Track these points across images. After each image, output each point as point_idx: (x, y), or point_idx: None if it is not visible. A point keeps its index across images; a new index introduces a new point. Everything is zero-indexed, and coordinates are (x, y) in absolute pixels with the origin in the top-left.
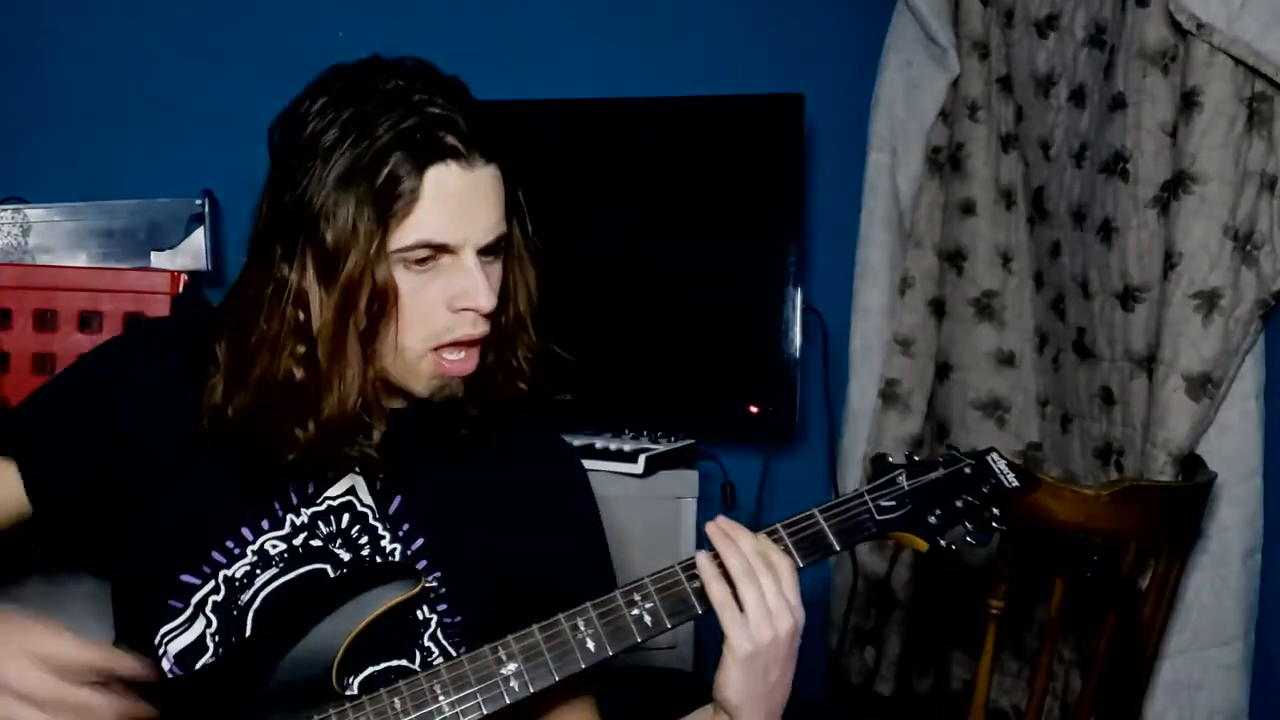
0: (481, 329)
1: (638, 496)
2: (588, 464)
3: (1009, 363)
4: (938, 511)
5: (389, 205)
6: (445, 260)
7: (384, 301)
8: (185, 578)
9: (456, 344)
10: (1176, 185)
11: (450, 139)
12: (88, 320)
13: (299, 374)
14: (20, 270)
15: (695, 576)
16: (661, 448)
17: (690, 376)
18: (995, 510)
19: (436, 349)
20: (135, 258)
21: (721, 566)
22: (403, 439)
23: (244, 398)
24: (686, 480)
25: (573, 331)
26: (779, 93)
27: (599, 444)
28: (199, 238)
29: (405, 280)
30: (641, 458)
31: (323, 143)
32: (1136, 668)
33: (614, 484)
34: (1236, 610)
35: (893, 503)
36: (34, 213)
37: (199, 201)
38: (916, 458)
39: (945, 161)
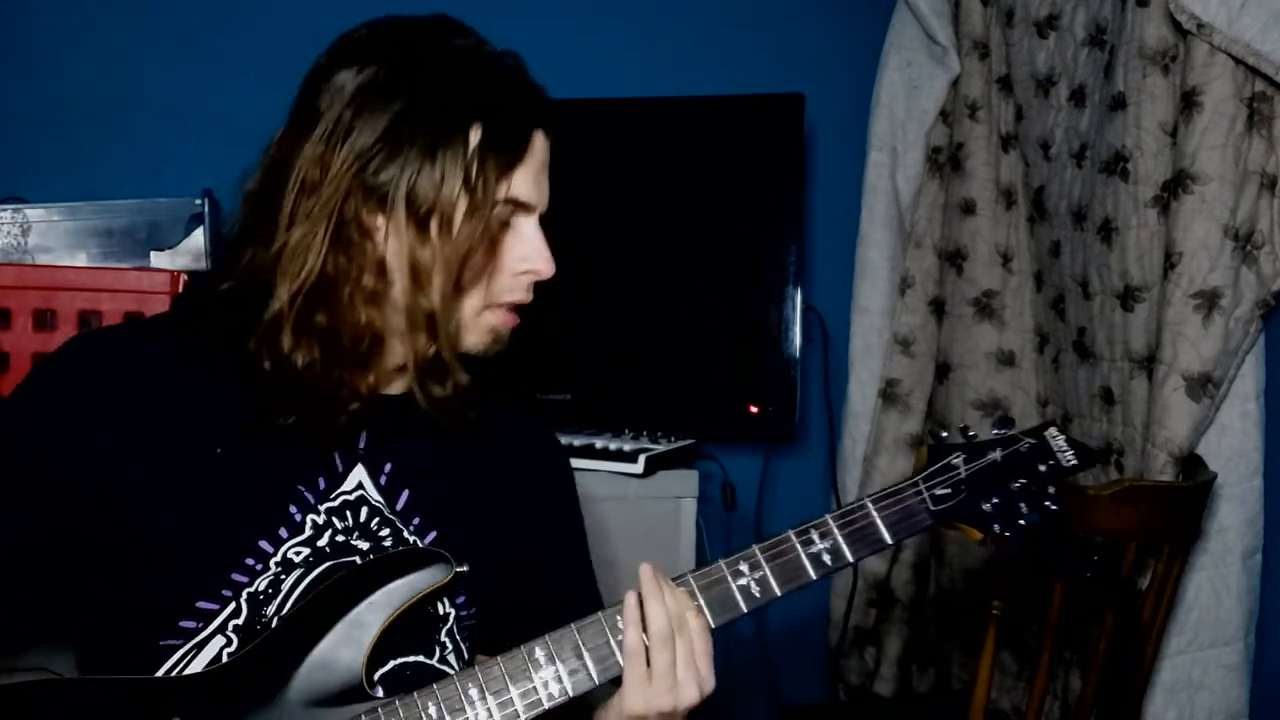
0: (530, 295)
1: (638, 496)
2: (588, 464)
3: (1009, 363)
4: (994, 499)
5: (497, 161)
6: (518, 221)
7: (490, 253)
8: (202, 604)
9: (505, 305)
10: (1176, 185)
11: (544, 107)
12: (87, 320)
13: (378, 321)
14: (20, 270)
15: (741, 574)
16: (661, 448)
17: (690, 376)
18: (1051, 490)
19: (486, 307)
20: (135, 258)
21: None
22: (399, 426)
23: (311, 345)
24: (686, 480)
25: (572, 331)
26: (779, 93)
27: (599, 444)
28: (199, 238)
29: None
30: (641, 458)
31: (422, 98)
32: (1136, 668)
33: (614, 484)
34: (1236, 610)
35: (948, 490)
36: (34, 213)
37: (199, 201)
38: (972, 433)
39: (945, 161)
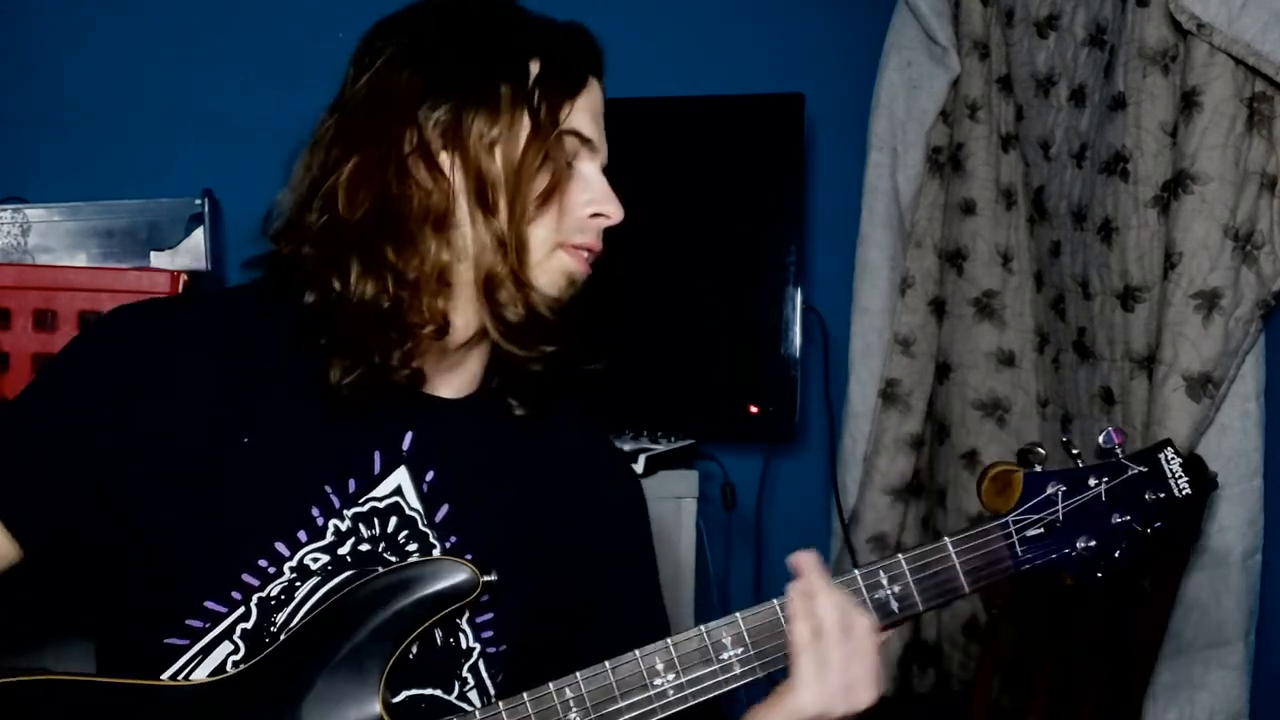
0: (600, 243)
1: None
2: None
3: (1009, 363)
4: (1091, 542)
5: (558, 89)
6: (582, 164)
7: (554, 187)
8: (210, 604)
9: (579, 248)
10: (1176, 185)
11: (598, 56)
12: (87, 321)
13: (446, 257)
14: (20, 270)
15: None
16: (661, 448)
17: (690, 376)
18: (1158, 524)
19: (559, 246)
20: (135, 258)
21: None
22: (449, 433)
23: (382, 277)
24: (686, 480)
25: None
26: (779, 93)
27: None
28: (199, 238)
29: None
30: (641, 458)
31: (479, 38)
32: (1136, 668)
33: None
34: (1236, 610)
35: (1040, 531)
36: (34, 213)
37: (199, 201)
38: (1076, 451)
39: (945, 161)
